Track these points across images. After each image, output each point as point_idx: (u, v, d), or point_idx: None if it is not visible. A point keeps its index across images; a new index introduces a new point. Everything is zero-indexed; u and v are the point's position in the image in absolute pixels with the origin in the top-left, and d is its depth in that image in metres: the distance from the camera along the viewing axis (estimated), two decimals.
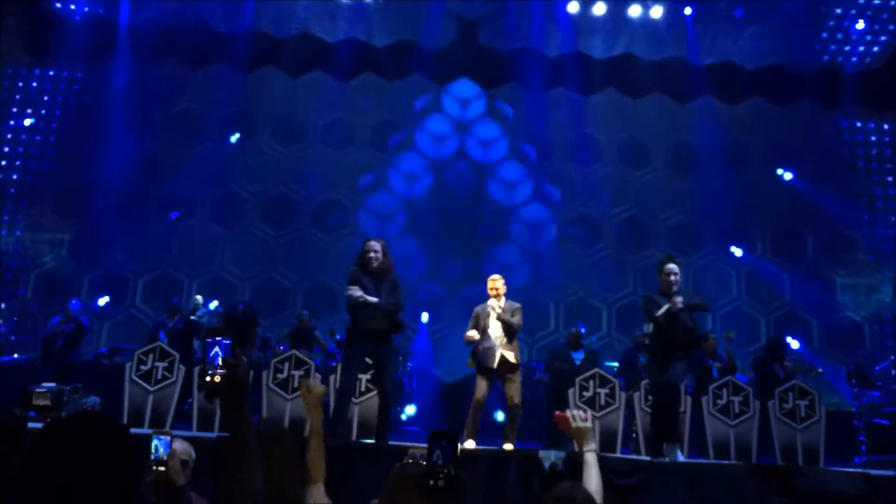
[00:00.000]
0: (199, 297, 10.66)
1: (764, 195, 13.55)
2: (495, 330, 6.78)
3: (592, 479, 2.83)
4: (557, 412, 3.06)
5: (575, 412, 2.96)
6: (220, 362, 1.73)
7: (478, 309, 6.98)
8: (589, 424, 2.96)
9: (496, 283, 6.94)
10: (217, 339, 1.76)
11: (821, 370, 10.02)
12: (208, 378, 1.73)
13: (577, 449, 2.97)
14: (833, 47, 13.75)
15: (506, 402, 6.81)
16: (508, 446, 6.47)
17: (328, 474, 5.28)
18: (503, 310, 6.80)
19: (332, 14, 13.93)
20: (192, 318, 10.01)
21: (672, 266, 6.57)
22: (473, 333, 6.76)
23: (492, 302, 6.84)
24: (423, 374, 11.65)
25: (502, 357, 6.70)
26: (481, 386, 6.72)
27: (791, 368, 9.35)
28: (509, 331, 6.78)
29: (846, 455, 8.59)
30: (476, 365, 6.81)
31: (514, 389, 6.67)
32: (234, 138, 13.45)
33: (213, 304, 10.86)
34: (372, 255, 6.33)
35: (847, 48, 13.73)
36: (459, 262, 13.21)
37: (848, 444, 8.86)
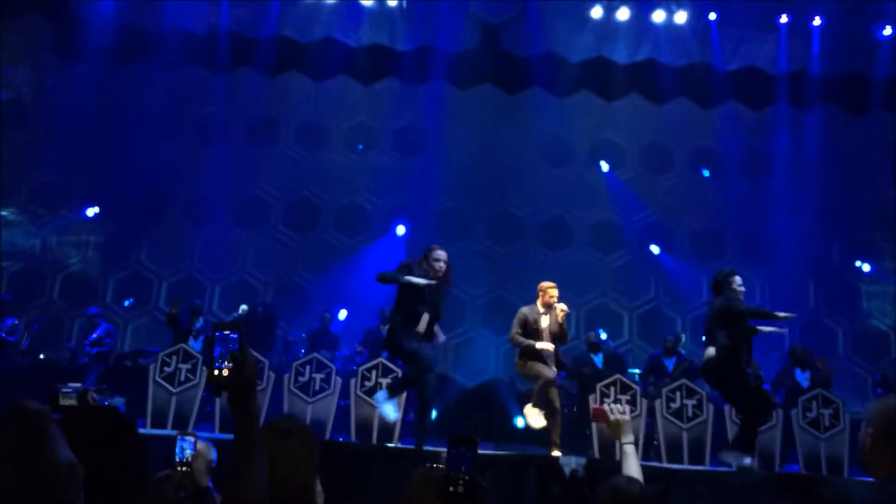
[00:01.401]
0: (244, 307, 10.65)
1: (789, 201, 13.42)
2: (547, 336, 6.72)
3: (633, 469, 2.87)
4: (595, 406, 3.14)
5: (613, 405, 3.02)
6: (228, 357, 1.74)
7: (525, 311, 6.85)
8: (627, 417, 3.02)
9: (556, 290, 6.84)
10: (225, 333, 1.76)
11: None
12: (216, 372, 1.74)
13: (618, 440, 3.01)
14: (858, 52, 13.59)
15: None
16: (556, 453, 6.37)
17: (346, 476, 5.30)
18: (562, 315, 6.71)
19: (356, 19, 13.99)
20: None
21: (739, 278, 6.59)
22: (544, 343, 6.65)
23: (560, 305, 6.72)
24: (442, 379, 11.64)
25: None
26: (547, 369, 6.56)
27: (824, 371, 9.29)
28: (561, 339, 6.77)
29: None
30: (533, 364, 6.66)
31: (555, 393, 6.62)
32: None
33: (243, 308, 10.88)
34: (443, 264, 6.39)
35: (873, 54, 13.56)
36: (479, 267, 13.19)
37: None
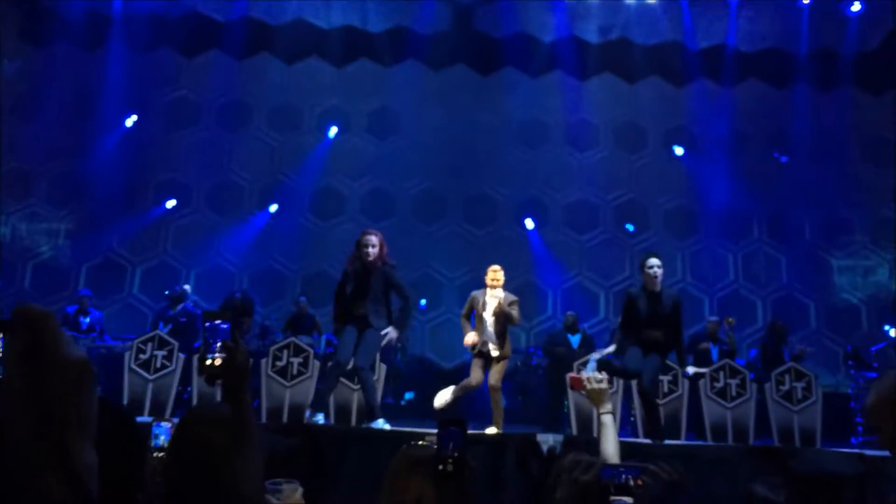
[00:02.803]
0: (187, 287, 10.72)
1: (760, 178, 13.55)
2: (489, 317, 6.90)
3: (610, 441, 2.81)
4: (571, 374, 3.06)
5: (590, 374, 2.95)
6: (220, 346, 1.74)
7: (475, 293, 7.07)
8: (604, 385, 2.94)
9: (497, 273, 6.97)
10: (216, 322, 1.76)
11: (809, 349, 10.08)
12: (208, 362, 1.74)
13: (597, 410, 2.94)
14: (829, 29, 13.71)
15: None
16: (492, 430, 6.56)
17: (326, 459, 5.31)
18: (501, 302, 6.86)
19: (326, 0, 13.86)
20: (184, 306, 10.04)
21: (654, 260, 6.58)
22: (471, 338, 6.89)
23: (495, 293, 6.88)
24: (421, 361, 11.69)
25: (490, 347, 6.85)
26: (476, 374, 6.83)
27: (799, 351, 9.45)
28: (505, 323, 6.90)
29: (843, 436, 8.65)
30: (472, 341, 6.90)
31: (496, 372, 6.81)
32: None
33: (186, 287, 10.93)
34: (370, 249, 6.40)
35: (843, 30, 13.69)
36: (456, 247, 13.23)
37: (844, 425, 8.93)
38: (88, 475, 0.97)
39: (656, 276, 6.47)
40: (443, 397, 6.84)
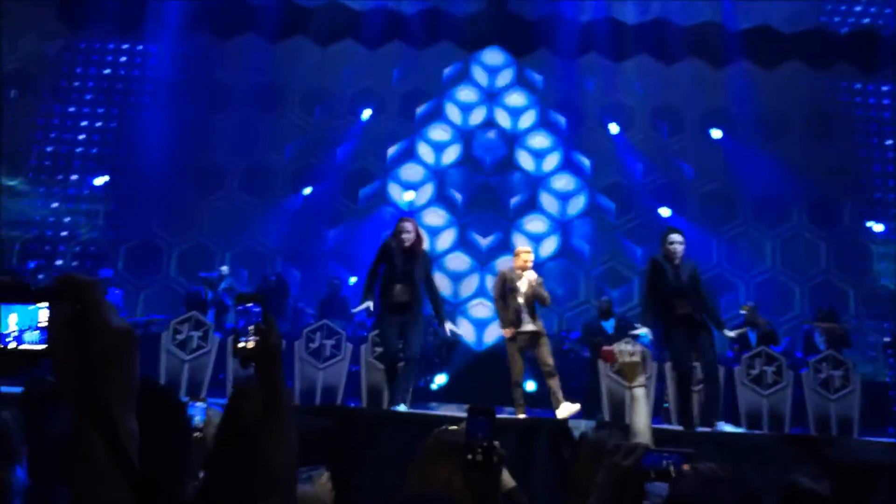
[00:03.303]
0: (225, 268, 10.79)
1: (800, 162, 13.29)
2: (522, 297, 6.85)
3: (642, 414, 2.74)
4: (605, 348, 2.99)
5: (622, 348, 2.88)
6: (253, 328, 1.75)
7: (505, 271, 7.00)
8: (637, 359, 2.85)
9: (529, 255, 6.97)
10: (248, 305, 1.77)
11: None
12: (241, 344, 1.75)
13: (627, 384, 2.88)
14: (871, 10, 13.35)
15: (540, 368, 6.85)
16: (562, 412, 6.48)
17: (355, 442, 5.35)
18: (532, 283, 6.82)
19: None
20: (221, 288, 10.12)
21: (676, 236, 6.49)
22: (509, 332, 6.82)
23: (528, 274, 6.84)
24: (452, 344, 11.69)
25: (528, 327, 6.80)
26: (518, 364, 6.79)
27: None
28: (536, 302, 6.87)
29: (880, 425, 8.51)
30: (511, 333, 6.83)
31: (546, 353, 6.76)
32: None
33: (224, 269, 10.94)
34: (406, 235, 6.52)
35: (885, 10, 13.32)
36: (488, 232, 13.18)
37: (883, 414, 8.78)
38: (129, 442, 0.99)
39: (677, 252, 6.41)
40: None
